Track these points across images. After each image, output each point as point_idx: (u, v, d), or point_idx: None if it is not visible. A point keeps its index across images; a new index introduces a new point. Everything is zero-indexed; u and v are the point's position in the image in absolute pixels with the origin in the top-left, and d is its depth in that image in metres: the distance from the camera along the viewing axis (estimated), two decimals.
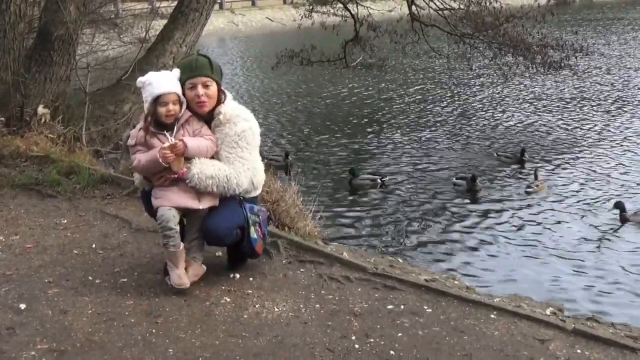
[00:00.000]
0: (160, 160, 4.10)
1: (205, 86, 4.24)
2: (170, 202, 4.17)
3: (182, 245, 4.22)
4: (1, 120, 8.00)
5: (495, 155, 12.84)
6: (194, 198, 4.20)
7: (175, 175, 4.16)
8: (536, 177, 11.25)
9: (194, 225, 4.28)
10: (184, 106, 4.26)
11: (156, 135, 4.22)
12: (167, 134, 4.21)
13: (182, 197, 4.18)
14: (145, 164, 4.20)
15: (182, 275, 4.21)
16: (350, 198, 10.86)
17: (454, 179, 11.23)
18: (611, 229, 9.08)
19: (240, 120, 4.29)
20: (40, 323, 3.92)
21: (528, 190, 10.90)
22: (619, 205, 9.52)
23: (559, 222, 9.36)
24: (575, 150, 13.15)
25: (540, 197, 10.62)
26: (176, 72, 4.28)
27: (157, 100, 4.17)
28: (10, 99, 8.22)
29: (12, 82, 8.18)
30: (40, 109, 8.28)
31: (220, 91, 4.33)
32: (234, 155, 4.24)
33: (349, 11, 15.35)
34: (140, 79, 4.28)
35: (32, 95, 8.40)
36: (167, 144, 4.13)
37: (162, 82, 4.20)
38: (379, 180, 11.34)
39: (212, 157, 4.28)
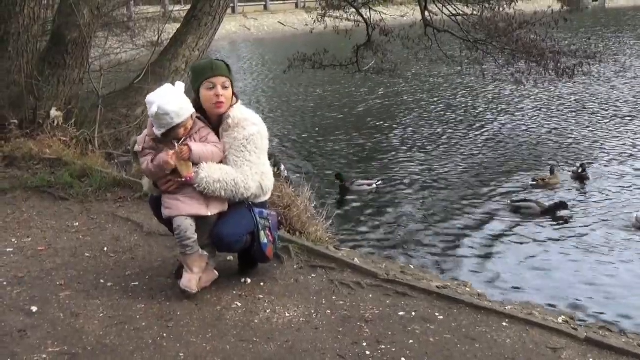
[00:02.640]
0: (165, 166, 4.11)
1: (224, 87, 4.24)
2: (180, 211, 4.17)
3: (200, 250, 4.22)
4: (14, 122, 8.04)
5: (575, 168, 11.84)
6: (202, 205, 4.20)
7: (183, 180, 4.16)
8: (552, 173, 11.41)
9: (204, 231, 4.27)
10: (194, 115, 4.25)
11: (164, 142, 4.21)
12: (174, 141, 4.20)
13: (191, 205, 4.18)
14: (153, 168, 4.20)
15: (193, 281, 4.21)
16: (362, 204, 10.84)
17: (509, 201, 10.33)
18: (625, 236, 9.01)
19: (249, 125, 4.28)
20: (52, 326, 3.93)
21: (532, 183, 11.23)
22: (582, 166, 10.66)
23: (572, 230, 9.30)
24: (594, 158, 13.07)
25: (551, 190, 10.93)
26: (181, 87, 4.22)
27: (177, 125, 4.16)
28: (24, 101, 8.27)
29: (25, 85, 8.23)
30: (53, 112, 8.33)
31: (233, 94, 4.33)
32: (242, 159, 4.23)
33: (362, 16, 15.34)
34: (153, 109, 4.09)
35: (45, 98, 8.45)
36: (171, 152, 4.13)
37: (179, 111, 4.11)
38: (375, 185, 11.31)
39: (220, 162, 4.28)
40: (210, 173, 4.16)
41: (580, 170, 11.49)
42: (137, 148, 4.34)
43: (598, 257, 8.37)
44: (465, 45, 14.85)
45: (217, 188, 4.16)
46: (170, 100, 4.10)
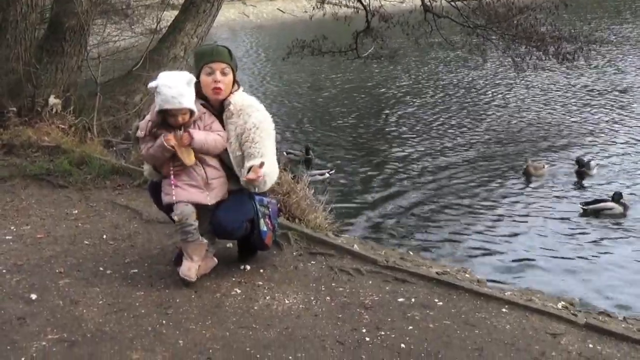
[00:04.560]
0: (165, 144, 4.07)
1: (224, 73, 4.21)
2: (181, 197, 4.15)
3: (201, 238, 4.21)
4: (13, 110, 8.02)
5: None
6: (203, 193, 4.19)
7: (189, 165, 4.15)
8: (541, 167, 11.30)
9: (204, 219, 4.25)
10: (196, 113, 4.17)
11: (166, 129, 4.19)
12: (177, 129, 4.17)
13: (192, 193, 4.16)
14: (153, 152, 4.18)
15: (192, 269, 4.20)
16: (361, 191, 10.84)
17: (581, 205, 9.41)
18: (623, 222, 9.01)
19: (254, 111, 4.26)
20: (51, 313, 3.93)
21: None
22: (579, 162, 10.82)
23: (570, 217, 9.29)
24: (590, 144, 13.05)
25: (540, 182, 10.81)
26: (187, 77, 4.13)
27: (167, 111, 4.11)
28: (22, 89, 8.25)
29: (23, 73, 8.20)
30: (52, 99, 8.31)
31: (234, 81, 4.31)
32: (264, 149, 4.21)
33: (361, 2, 15.27)
34: (155, 82, 4.11)
35: (43, 86, 8.43)
36: (171, 135, 4.10)
37: (174, 99, 4.05)
38: (327, 175, 11.23)
39: (226, 153, 4.26)
40: (272, 172, 4.22)
41: (581, 166, 11.10)
42: (140, 134, 4.30)
43: (598, 242, 8.38)
44: (465, 30, 14.80)
45: (269, 183, 4.24)
46: (171, 87, 4.06)
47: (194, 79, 4.16)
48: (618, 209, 9.23)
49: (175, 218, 4.16)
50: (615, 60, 21.38)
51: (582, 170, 11.05)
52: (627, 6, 36.82)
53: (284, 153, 12.42)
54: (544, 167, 11.25)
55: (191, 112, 4.15)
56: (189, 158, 4.13)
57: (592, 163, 11.27)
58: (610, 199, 9.41)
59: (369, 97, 18.65)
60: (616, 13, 34.69)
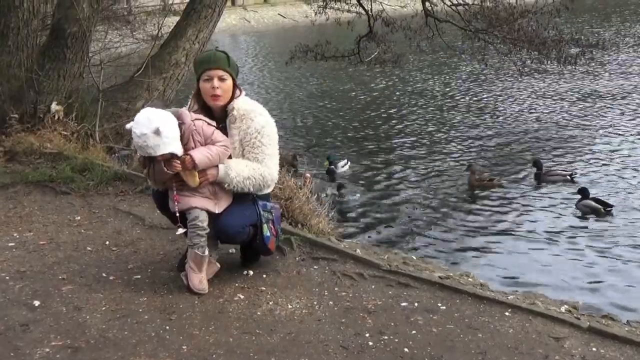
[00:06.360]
0: (167, 170, 4.06)
1: (221, 80, 4.22)
2: (192, 204, 4.15)
3: (207, 251, 4.21)
4: (15, 117, 8.02)
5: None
6: (211, 201, 4.19)
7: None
8: (469, 170, 11.18)
9: (208, 224, 4.25)
10: (179, 154, 4.06)
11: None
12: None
13: (202, 201, 4.17)
14: (157, 175, 4.16)
15: (204, 281, 4.21)
16: (364, 195, 10.84)
17: (607, 208, 9.51)
18: (624, 225, 9.00)
19: (256, 116, 4.27)
20: (55, 320, 3.93)
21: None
22: (536, 164, 10.92)
23: (573, 221, 9.29)
24: (591, 147, 13.05)
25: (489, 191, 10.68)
26: (155, 125, 3.93)
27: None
28: (24, 95, 8.25)
29: (25, 79, 8.21)
30: (54, 106, 8.31)
31: (235, 87, 4.31)
32: (262, 154, 4.24)
33: (363, 7, 15.29)
34: (128, 127, 4.07)
35: (45, 92, 8.42)
36: (175, 161, 4.06)
37: (142, 150, 3.98)
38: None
39: (230, 157, 4.26)
40: (239, 172, 4.16)
41: (539, 168, 11.07)
42: (139, 155, 4.27)
43: (602, 246, 8.37)
44: (466, 35, 14.81)
45: (247, 185, 4.19)
46: (144, 131, 3.94)
47: (166, 124, 3.97)
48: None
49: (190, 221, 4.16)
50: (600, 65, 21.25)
51: (539, 172, 11.03)
52: (618, 11, 36.79)
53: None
54: (492, 180, 10.96)
55: (172, 154, 4.04)
56: (193, 181, 4.12)
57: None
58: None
59: (371, 100, 18.65)
60: (604, 16, 34.66)
